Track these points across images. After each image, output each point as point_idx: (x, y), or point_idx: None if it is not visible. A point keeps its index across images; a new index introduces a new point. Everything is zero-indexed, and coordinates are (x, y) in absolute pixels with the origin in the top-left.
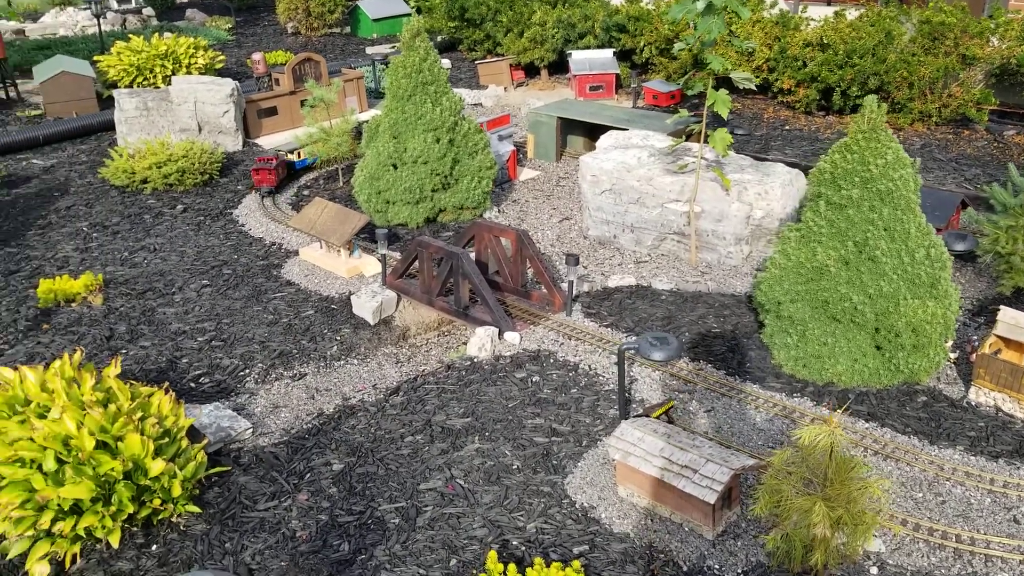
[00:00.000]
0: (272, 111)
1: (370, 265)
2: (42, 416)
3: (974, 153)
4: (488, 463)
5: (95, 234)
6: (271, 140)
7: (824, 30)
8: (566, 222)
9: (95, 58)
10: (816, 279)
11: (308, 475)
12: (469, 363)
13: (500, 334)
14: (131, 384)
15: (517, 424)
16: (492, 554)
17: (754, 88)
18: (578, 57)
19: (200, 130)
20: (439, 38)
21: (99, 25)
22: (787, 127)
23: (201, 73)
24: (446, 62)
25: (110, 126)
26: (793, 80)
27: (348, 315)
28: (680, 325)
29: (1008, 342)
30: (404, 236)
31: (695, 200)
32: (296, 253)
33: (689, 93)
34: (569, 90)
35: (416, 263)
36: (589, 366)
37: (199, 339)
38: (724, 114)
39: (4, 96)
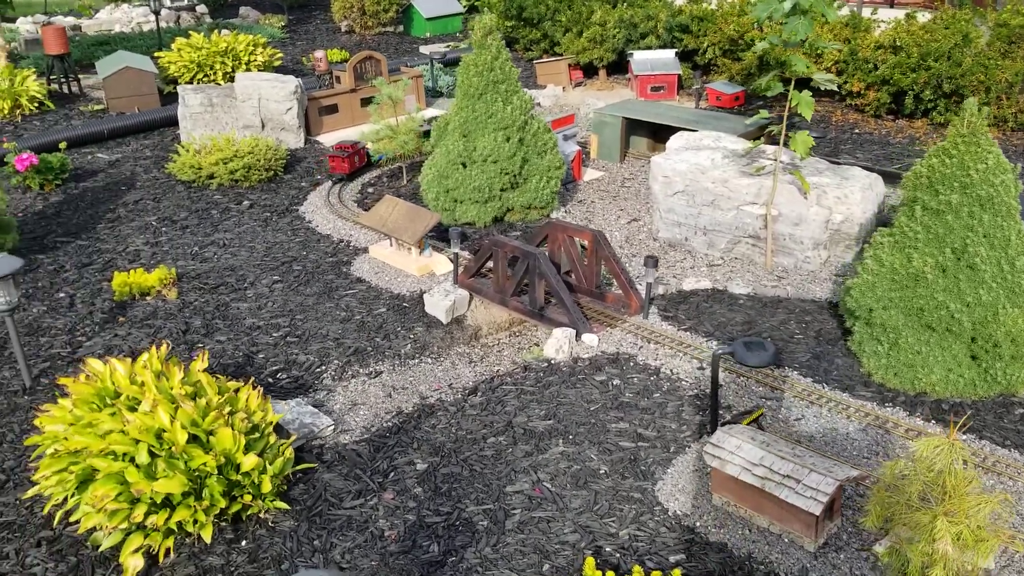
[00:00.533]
0: (333, 108)
1: (440, 264)
2: (132, 409)
3: None
4: (574, 467)
5: (164, 228)
6: (332, 137)
7: (897, 32)
8: (634, 224)
9: (155, 54)
10: (911, 286)
11: (392, 474)
12: (546, 365)
13: (577, 335)
14: (216, 378)
15: (601, 428)
16: (590, 560)
17: (836, 89)
18: (640, 57)
19: (263, 127)
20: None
21: (157, 21)
22: (856, 130)
23: (260, 70)
24: None
25: (172, 121)
26: (863, 83)
27: (420, 313)
28: (761, 330)
29: None
30: (471, 235)
31: (772, 203)
32: (365, 250)
33: (769, 95)
34: (628, 90)
35: (489, 262)
36: (671, 370)
37: (274, 335)
38: (808, 116)
39: (68, 91)
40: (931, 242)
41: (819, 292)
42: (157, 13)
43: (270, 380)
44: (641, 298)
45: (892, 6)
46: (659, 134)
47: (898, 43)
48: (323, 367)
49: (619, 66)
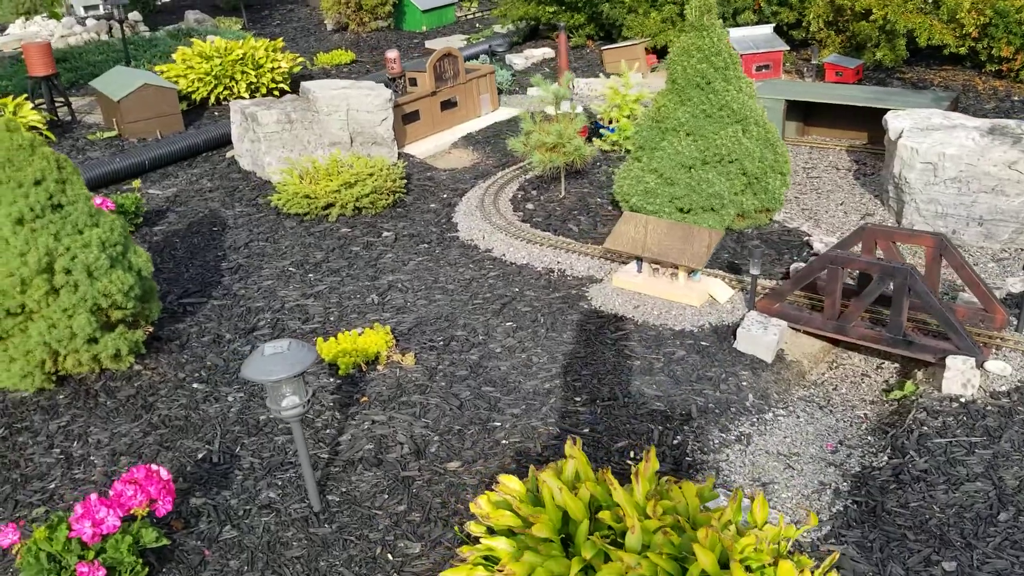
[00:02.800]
0: (414, 116)
1: (717, 288)
2: (617, 544)
3: None
4: None
5: (311, 275)
6: (418, 148)
7: None
8: (868, 218)
9: (157, 68)
10: None
11: None
12: (957, 405)
13: (978, 363)
14: (668, 481)
15: None
16: None
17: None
18: (736, 35)
19: (352, 142)
20: (507, 27)
21: (123, 31)
22: (1015, 97)
23: (284, 79)
24: (537, 52)
25: (219, 143)
26: (1012, 47)
27: (730, 353)
28: None
29: None
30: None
31: None
32: (592, 280)
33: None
34: None
35: (811, 282)
36: None
37: (577, 400)
38: None
39: (58, 117)
40: None
41: None
42: (122, 22)
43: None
44: (1006, 309)
45: None
46: (811, 118)
47: None
48: (679, 437)
49: None
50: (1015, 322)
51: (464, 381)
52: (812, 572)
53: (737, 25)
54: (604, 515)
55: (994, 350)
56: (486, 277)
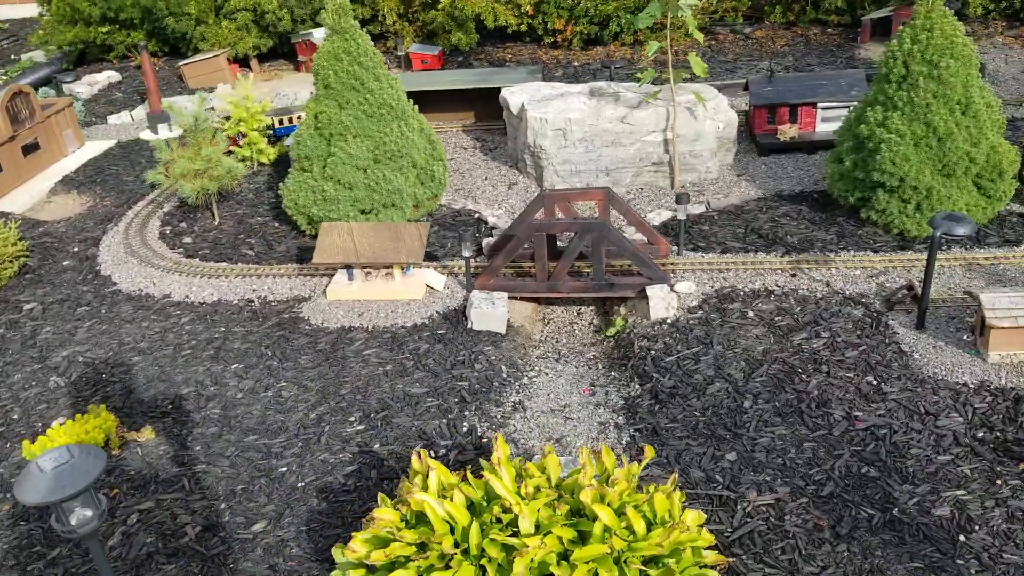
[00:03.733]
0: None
1: (432, 277)
2: None
3: None
4: None
5: None
6: (13, 203)
7: None
8: (514, 188)
9: None
10: None
11: None
12: (672, 326)
13: (671, 288)
14: None
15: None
16: None
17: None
18: (321, 35)
19: None
20: (51, 54)
21: None
22: (575, 63)
23: None
24: (101, 77)
25: None
26: (563, 19)
27: (467, 333)
28: (789, 232)
29: None
30: None
31: (675, 126)
32: (302, 299)
33: (650, 55)
34: (303, 73)
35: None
36: (793, 287)
37: (352, 420)
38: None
39: None
40: None
41: (758, 192)
42: None
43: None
44: (667, 241)
45: None
46: (425, 105)
47: None
48: (466, 418)
49: (275, 52)
50: (675, 249)
51: (221, 438)
52: (658, 488)
53: (317, 25)
54: (494, 508)
55: (672, 274)
56: (180, 325)
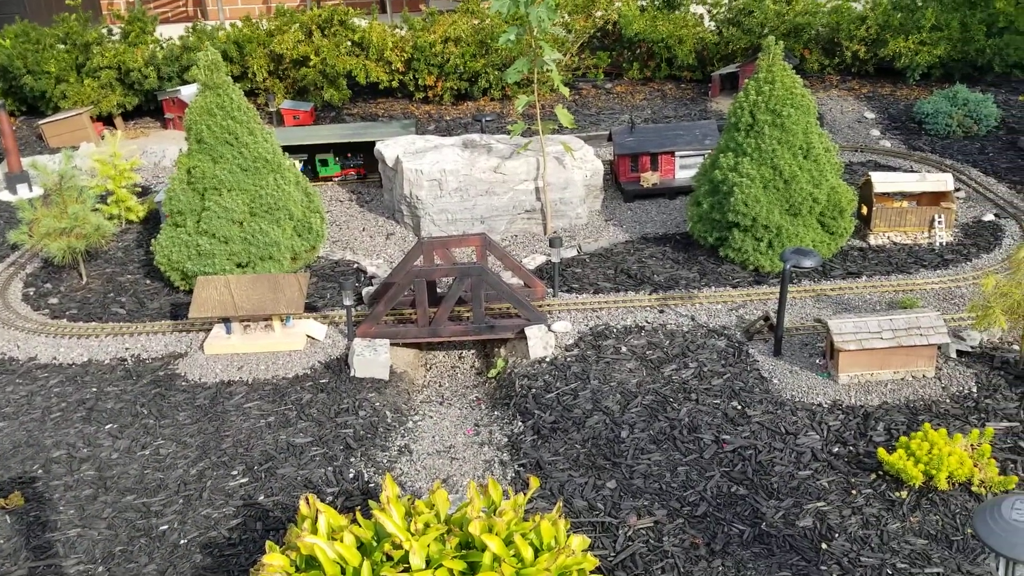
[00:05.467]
0: None
1: (313, 328)
2: None
3: None
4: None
5: None
6: None
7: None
8: (392, 238)
9: None
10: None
11: None
12: (551, 364)
13: (548, 327)
14: None
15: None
16: None
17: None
18: (189, 92)
19: None
20: None
21: None
22: (447, 117)
23: None
24: None
25: None
26: (432, 76)
27: (350, 382)
28: (656, 272)
29: None
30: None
31: (546, 175)
32: (178, 355)
33: (519, 109)
34: (174, 131)
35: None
36: (662, 323)
37: (234, 474)
38: (568, 124)
39: None
40: None
41: (625, 235)
42: None
43: None
44: (543, 284)
45: None
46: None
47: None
48: (352, 464)
49: (141, 110)
50: (551, 291)
51: (97, 500)
52: (544, 516)
53: (184, 83)
54: (385, 546)
55: (549, 315)
56: (48, 388)
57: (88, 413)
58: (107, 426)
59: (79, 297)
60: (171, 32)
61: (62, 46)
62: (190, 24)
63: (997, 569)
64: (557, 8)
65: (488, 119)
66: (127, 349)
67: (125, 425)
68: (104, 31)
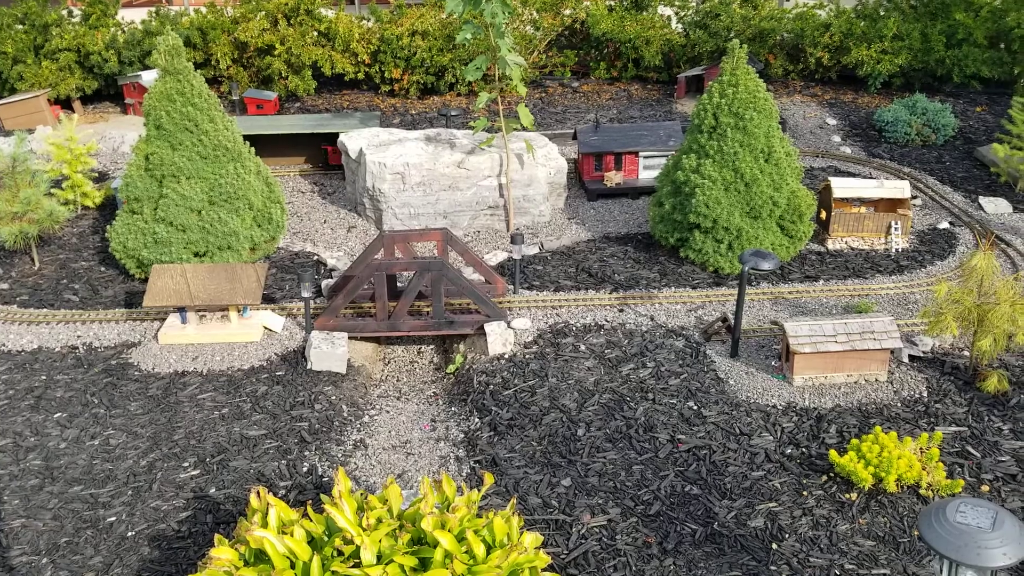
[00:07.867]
0: None
1: (270, 319)
2: None
3: None
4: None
5: None
6: None
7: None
8: (353, 231)
9: None
10: None
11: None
12: (509, 361)
13: (508, 324)
14: None
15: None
16: None
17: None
18: (150, 77)
19: None
20: None
21: None
22: (412, 111)
23: None
24: None
25: None
26: (399, 68)
27: (307, 375)
28: (616, 271)
29: None
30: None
31: (509, 171)
32: (131, 344)
33: (480, 105)
34: (133, 116)
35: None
36: (621, 322)
37: (186, 466)
38: (528, 125)
39: None
40: None
41: (587, 234)
42: None
43: None
44: (504, 280)
45: None
46: (260, 150)
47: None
48: (307, 458)
49: (101, 94)
50: (512, 287)
51: (43, 490)
52: (497, 513)
53: (146, 67)
54: (335, 541)
55: (509, 311)
56: None
57: (36, 401)
58: (55, 415)
59: (31, 283)
60: (134, 16)
61: (20, 26)
62: (153, 8)
63: (941, 571)
64: (513, 7)
65: (454, 114)
66: (79, 337)
67: (74, 414)
68: (64, 12)
